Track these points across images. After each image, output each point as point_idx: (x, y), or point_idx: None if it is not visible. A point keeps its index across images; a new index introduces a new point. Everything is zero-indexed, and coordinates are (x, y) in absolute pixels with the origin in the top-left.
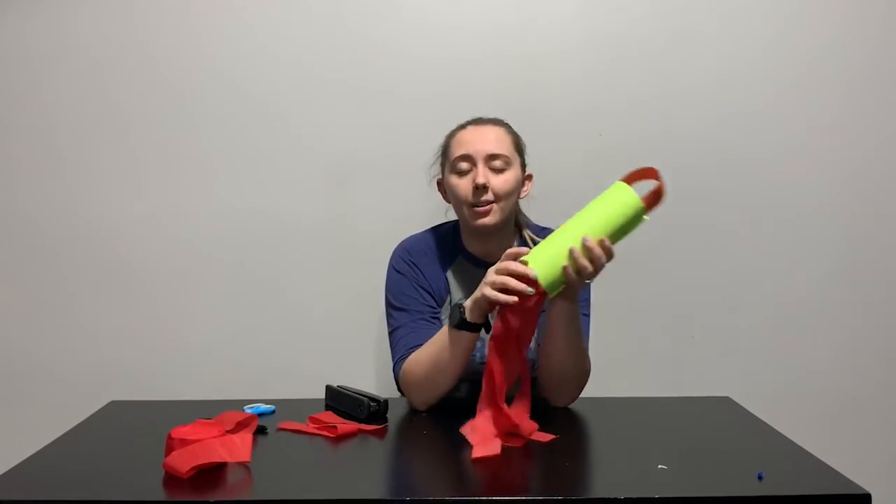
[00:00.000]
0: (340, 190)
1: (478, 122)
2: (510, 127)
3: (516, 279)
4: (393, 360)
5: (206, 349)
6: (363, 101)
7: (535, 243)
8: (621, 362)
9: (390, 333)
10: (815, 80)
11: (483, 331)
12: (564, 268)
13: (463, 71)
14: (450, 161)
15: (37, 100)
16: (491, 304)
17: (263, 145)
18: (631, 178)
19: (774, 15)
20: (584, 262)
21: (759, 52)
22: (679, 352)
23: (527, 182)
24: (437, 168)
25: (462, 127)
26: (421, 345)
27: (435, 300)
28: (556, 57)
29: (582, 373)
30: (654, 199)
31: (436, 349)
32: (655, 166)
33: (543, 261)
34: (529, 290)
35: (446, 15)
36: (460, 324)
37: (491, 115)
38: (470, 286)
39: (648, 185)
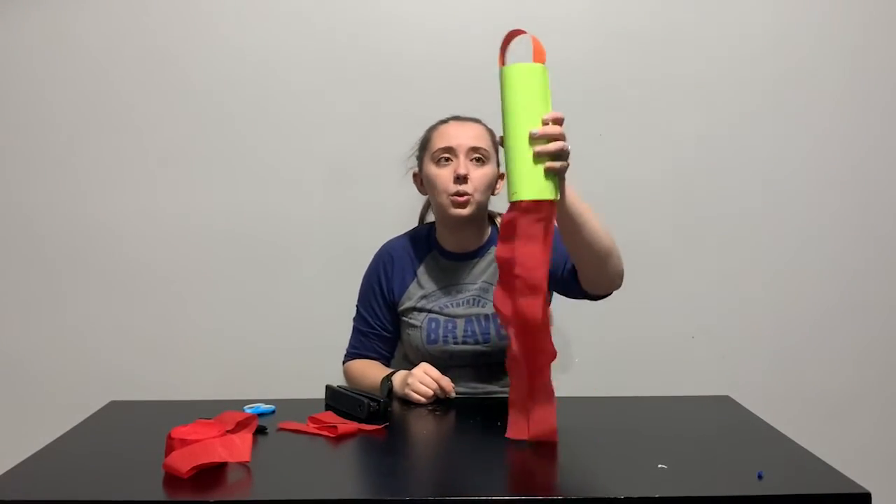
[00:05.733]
0: (340, 190)
1: (458, 118)
2: (489, 128)
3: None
4: (348, 344)
5: (206, 349)
6: (362, 101)
7: None
8: (621, 362)
9: (353, 319)
10: (821, 78)
11: None
12: (546, 167)
13: (462, 72)
14: (430, 153)
15: (35, 99)
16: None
17: (264, 146)
18: (504, 54)
19: (775, 11)
20: (553, 147)
21: (764, 49)
22: (679, 352)
23: (500, 180)
24: (414, 161)
25: (443, 122)
26: (362, 355)
27: (395, 305)
28: (556, 58)
29: (615, 248)
30: (538, 51)
31: (364, 386)
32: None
33: (525, 178)
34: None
35: (445, 16)
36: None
37: (482, 117)
38: (438, 278)
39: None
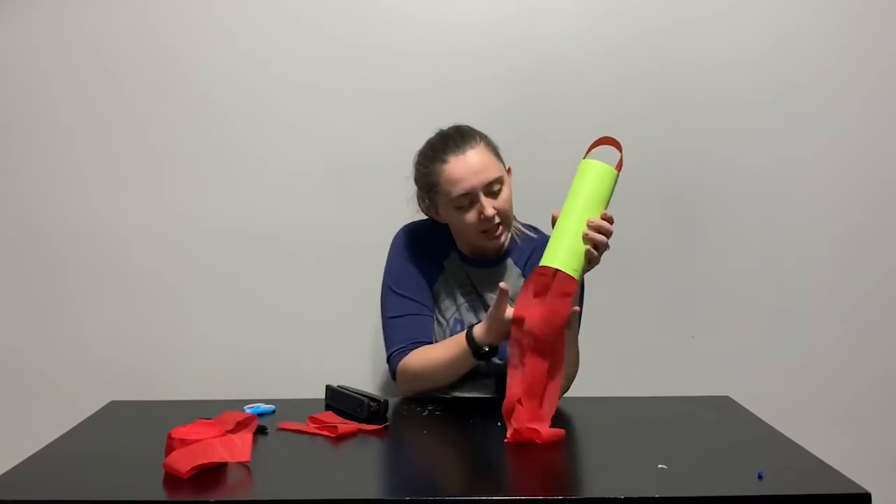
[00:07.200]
0: (340, 190)
1: (456, 149)
2: (483, 137)
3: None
4: (389, 348)
5: (206, 349)
6: (362, 101)
7: (521, 236)
8: (621, 362)
9: (389, 319)
10: (817, 80)
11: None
12: (587, 250)
13: (462, 70)
14: (447, 199)
15: (38, 99)
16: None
17: (263, 146)
18: (589, 150)
19: (779, 8)
20: (599, 237)
21: (763, 48)
22: (679, 352)
23: (508, 174)
24: (416, 198)
25: (443, 160)
26: (422, 342)
27: (430, 284)
28: (556, 53)
29: (571, 375)
30: (620, 163)
31: (443, 364)
32: (618, 141)
33: (564, 253)
34: None
35: (445, 12)
36: (481, 355)
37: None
38: (457, 281)
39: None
